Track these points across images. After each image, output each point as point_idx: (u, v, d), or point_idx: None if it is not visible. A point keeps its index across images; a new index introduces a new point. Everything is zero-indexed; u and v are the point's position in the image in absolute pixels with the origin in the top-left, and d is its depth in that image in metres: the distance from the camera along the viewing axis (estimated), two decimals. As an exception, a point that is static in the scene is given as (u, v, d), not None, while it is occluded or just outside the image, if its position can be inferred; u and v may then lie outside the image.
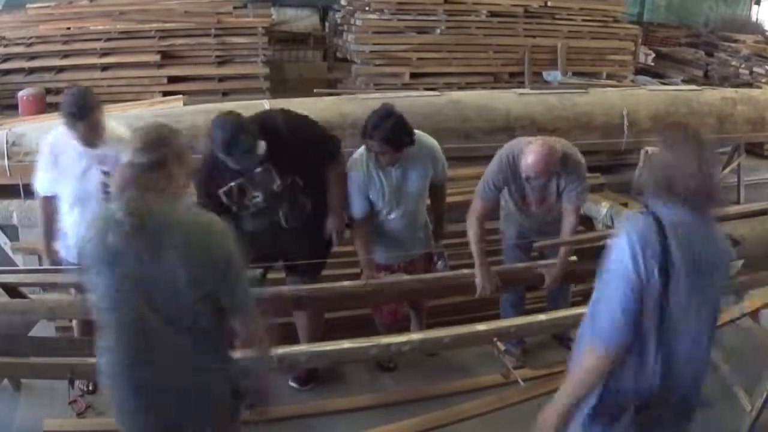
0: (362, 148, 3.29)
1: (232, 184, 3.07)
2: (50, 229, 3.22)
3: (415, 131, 3.26)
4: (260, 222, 3.16)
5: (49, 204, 3.18)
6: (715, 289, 1.92)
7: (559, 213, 3.45)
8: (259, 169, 3.05)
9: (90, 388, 3.34)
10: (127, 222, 1.85)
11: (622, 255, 1.82)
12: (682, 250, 1.80)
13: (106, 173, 3.08)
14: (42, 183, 3.15)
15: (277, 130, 3.07)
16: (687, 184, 1.83)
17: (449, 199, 3.72)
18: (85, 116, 2.94)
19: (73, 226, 3.15)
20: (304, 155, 3.10)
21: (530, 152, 3.23)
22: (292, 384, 3.44)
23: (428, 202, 3.58)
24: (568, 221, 3.42)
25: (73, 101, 2.97)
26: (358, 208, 3.31)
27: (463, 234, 3.52)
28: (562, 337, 3.95)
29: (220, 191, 3.07)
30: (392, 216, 3.36)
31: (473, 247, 3.35)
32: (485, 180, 3.43)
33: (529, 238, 3.54)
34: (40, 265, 3.57)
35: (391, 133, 3.13)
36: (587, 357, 1.88)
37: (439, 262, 3.60)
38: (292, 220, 3.20)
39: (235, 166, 2.98)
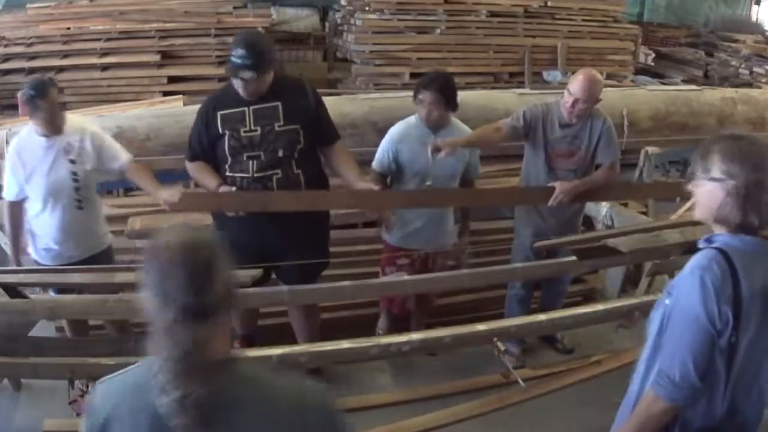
0: (411, 117, 3.50)
1: (235, 110, 3.09)
2: (18, 235, 3.29)
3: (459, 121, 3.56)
4: (254, 190, 3.14)
5: (17, 209, 3.25)
6: None
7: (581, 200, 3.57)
8: (266, 104, 3.09)
9: (90, 388, 3.34)
10: (181, 418, 1.23)
11: (692, 303, 1.70)
12: (752, 285, 1.70)
13: (72, 161, 3.17)
14: (10, 188, 3.21)
15: (300, 79, 3.37)
16: (763, 208, 1.70)
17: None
18: (45, 94, 3.05)
19: (45, 225, 3.22)
20: (314, 114, 3.20)
21: (578, 73, 3.43)
22: None
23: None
24: (603, 170, 3.53)
25: (32, 83, 3.15)
26: (378, 162, 3.51)
27: (481, 233, 3.58)
28: (553, 339, 3.96)
29: (219, 113, 3.09)
30: (427, 184, 3.45)
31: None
32: (515, 114, 3.58)
33: (546, 238, 3.50)
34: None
35: (445, 84, 3.38)
36: (651, 405, 1.78)
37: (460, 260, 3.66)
38: (286, 188, 3.16)
39: (248, 71, 2.96)
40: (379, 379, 3.63)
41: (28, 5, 7.72)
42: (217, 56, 7.45)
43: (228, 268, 1.31)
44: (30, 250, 3.33)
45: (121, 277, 2.96)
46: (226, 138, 3.10)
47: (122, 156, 3.31)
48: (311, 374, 3.48)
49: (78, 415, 3.19)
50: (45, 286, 3.22)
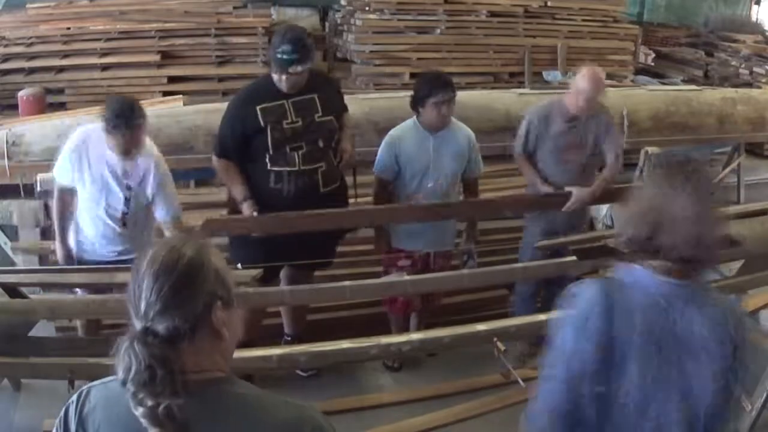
0: (409, 120, 3.51)
1: (275, 102, 3.12)
2: (65, 225, 3.19)
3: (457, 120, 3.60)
4: (301, 182, 3.17)
5: (66, 197, 3.15)
6: (701, 377, 1.49)
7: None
8: (304, 96, 3.16)
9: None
10: (157, 429, 1.15)
11: (562, 340, 1.53)
12: (632, 327, 1.47)
13: (129, 188, 3.07)
14: (63, 172, 3.09)
15: (323, 71, 3.57)
16: (674, 239, 1.47)
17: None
18: (127, 128, 2.87)
19: (87, 225, 3.16)
20: (342, 104, 3.40)
21: (582, 72, 3.54)
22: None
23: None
24: (610, 166, 3.65)
25: (118, 107, 2.89)
26: (380, 164, 3.51)
27: (482, 233, 3.59)
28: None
29: (259, 107, 3.10)
30: (428, 185, 3.46)
31: (527, 174, 3.71)
32: (521, 136, 3.69)
33: (557, 235, 3.56)
34: (40, 264, 3.57)
35: (449, 81, 3.45)
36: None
37: (469, 261, 3.65)
38: (329, 180, 3.24)
39: (298, 65, 3.04)
40: (379, 379, 3.63)
41: (28, 5, 7.71)
42: (217, 56, 7.45)
43: (213, 289, 1.21)
44: (72, 241, 3.23)
45: (122, 277, 2.96)
46: (269, 131, 3.11)
47: (173, 210, 3.18)
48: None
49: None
50: (48, 287, 3.20)
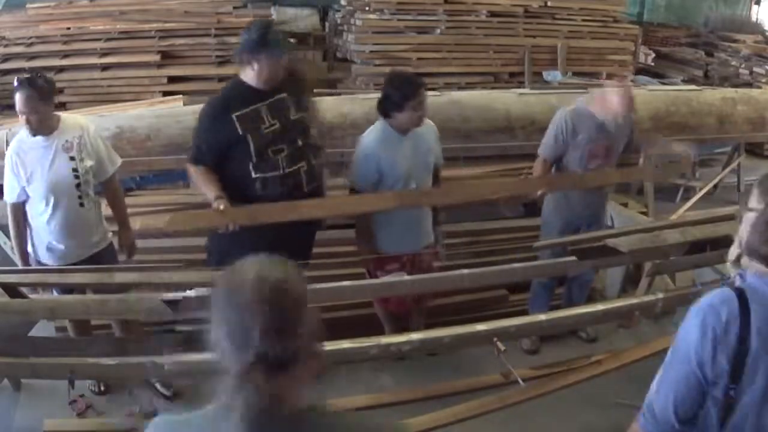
0: (376, 124, 3.46)
1: (249, 108, 3.08)
2: (24, 237, 3.29)
3: None
4: (287, 185, 3.16)
5: (19, 210, 3.24)
6: None
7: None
8: (276, 97, 3.14)
9: (100, 388, 3.34)
10: None
11: (688, 342, 1.58)
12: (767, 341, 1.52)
13: (72, 158, 3.17)
14: (11, 190, 3.20)
15: (297, 68, 3.38)
16: None
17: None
18: (18, 91, 3.02)
19: (48, 224, 3.22)
20: (308, 99, 3.38)
21: (614, 91, 3.58)
22: None
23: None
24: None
25: (16, 80, 3.11)
26: (362, 178, 3.40)
27: (466, 234, 3.57)
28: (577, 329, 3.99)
29: (234, 115, 3.06)
30: (413, 186, 3.46)
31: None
32: (549, 136, 3.68)
33: (577, 228, 3.57)
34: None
35: (418, 78, 3.43)
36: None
37: (437, 245, 3.70)
38: (311, 178, 3.24)
39: (268, 62, 3.03)
40: (379, 379, 3.62)
41: (28, 5, 7.71)
42: (217, 56, 7.44)
43: (312, 310, 1.19)
44: (30, 250, 3.32)
45: (120, 277, 2.96)
46: (250, 138, 3.08)
47: (117, 160, 3.40)
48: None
49: (78, 415, 3.20)
50: (45, 286, 3.22)
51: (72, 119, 3.32)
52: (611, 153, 3.67)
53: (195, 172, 3.23)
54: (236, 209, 3.09)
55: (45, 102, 3.09)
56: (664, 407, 1.62)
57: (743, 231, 1.66)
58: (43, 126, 3.11)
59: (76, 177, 3.19)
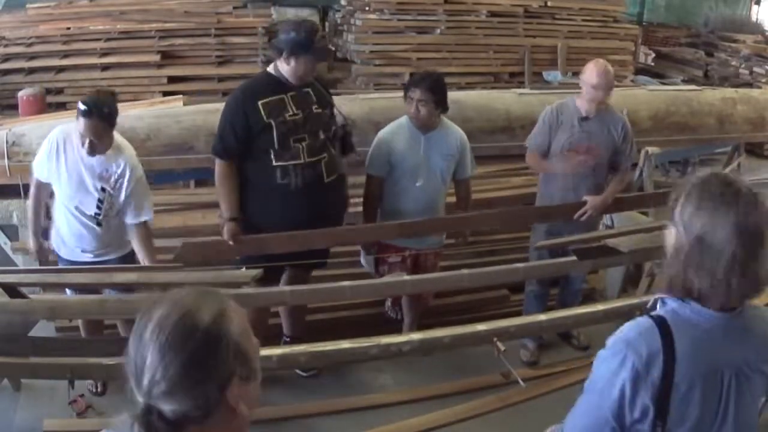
0: (400, 119, 3.53)
1: (275, 97, 3.15)
2: (39, 214, 3.22)
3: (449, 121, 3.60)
4: (307, 174, 3.19)
5: (41, 192, 3.18)
6: (748, 406, 1.43)
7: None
8: (300, 90, 3.21)
9: (98, 389, 3.34)
10: None
11: (601, 378, 1.42)
12: (695, 369, 1.36)
13: (103, 189, 3.08)
14: (41, 168, 3.12)
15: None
16: (719, 268, 1.32)
17: (449, 199, 3.73)
18: (88, 117, 2.90)
19: (62, 223, 3.17)
20: (331, 99, 3.45)
21: (590, 64, 3.58)
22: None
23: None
24: (619, 175, 3.74)
25: (88, 98, 2.96)
26: (374, 165, 3.52)
27: (481, 233, 3.60)
28: (569, 335, 3.98)
29: (260, 102, 3.13)
30: (417, 184, 3.47)
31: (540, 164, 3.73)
32: (535, 130, 3.72)
33: (560, 235, 3.58)
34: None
35: (435, 83, 3.41)
36: None
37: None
38: (331, 170, 3.27)
39: (308, 63, 3.14)
40: (379, 379, 3.62)
41: (28, 5, 7.71)
42: (217, 56, 7.46)
43: (231, 365, 1.03)
44: (51, 239, 3.26)
45: (121, 277, 2.96)
46: (274, 125, 3.13)
47: (145, 214, 3.18)
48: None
49: (78, 415, 3.20)
50: (48, 287, 3.20)
51: (127, 149, 3.15)
52: (593, 151, 3.60)
53: (221, 171, 3.24)
54: (245, 238, 3.18)
55: (110, 128, 3.02)
56: None
57: (667, 246, 1.43)
58: (96, 151, 3.02)
59: (99, 207, 3.11)
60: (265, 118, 3.12)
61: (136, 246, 3.20)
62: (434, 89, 3.40)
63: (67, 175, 3.06)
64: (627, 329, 1.44)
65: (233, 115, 3.18)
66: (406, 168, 3.46)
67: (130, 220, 3.16)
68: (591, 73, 3.53)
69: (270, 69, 3.26)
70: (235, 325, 1.05)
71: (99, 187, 3.07)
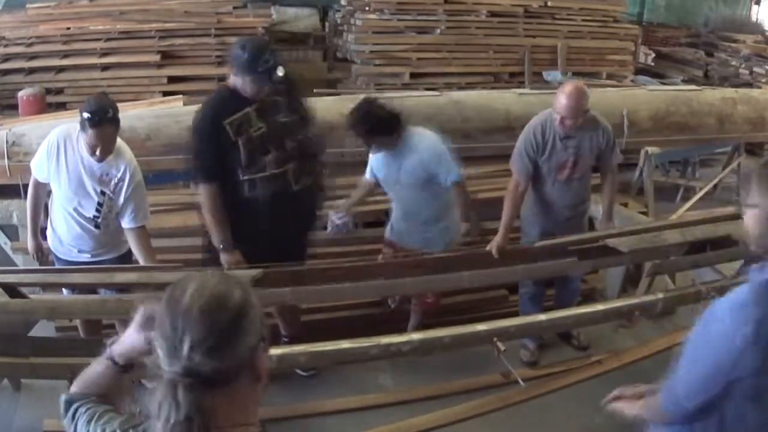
0: None
1: (239, 114, 3.11)
2: (38, 213, 3.22)
3: (419, 129, 3.56)
4: (274, 185, 3.18)
5: (40, 192, 3.17)
6: None
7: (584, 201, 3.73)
8: (268, 99, 3.16)
9: None
10: None
11: (724, 333, 1.57)
12: None
13: (103, 193, 3.07)
14: (40, 168, 3.11)
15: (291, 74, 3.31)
16: None
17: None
18: (100, 125, 2.88)
19: (59, 223, 3.16)
20: (305, 104, 3.39)
21: (561, 92, 3.47)
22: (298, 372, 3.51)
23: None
24: (609, 180, 3.73)
25: (93, 105, 2.91)
26: (368, 170, 3.73)
27: (480, 233, 3.59)
28: (569, 335, 3.98)
29: (226, 122, 3.09)
30: (392, 194, 3.69)
31: (504, 214, 3.58)
32: (518, 150, 3.62)
33: (552, 236, 3.56)
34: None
35: (355, 120, 3.46)
36: (655, 408, 1.80)
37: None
38: (300, 177, 3.25)
39: (253, 84, 3.07)
40: (379, 379, 3.62)
41: (28, 5, 7.71)
42: (217, 56, 7.45)
43: (260, 330, 1.15)
44: (49, 239, 3.26)
45: (121, 278, 2.96)
46: (240, 143, 3.10)
47: (142, 218, 3.18)
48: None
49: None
50: (48, 287, 3.19)
51: (127, 153, 3.14)
52: (578, 163, 3.57)
53: (209, 196, 3.19)
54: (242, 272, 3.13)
55: (118, 129, 3.00)
56: (686, 392, 1.66)
57: (751, 228, 1.65)
58: (104, 157, 3.00)
59: (98, 209, 3.11)
60: (232, 136, 3.09)
61: (135, 249, 3.19)
62: (356, 124, 3.45)
63: (67, 176, 3.04)
64: (739, 293, 1.61)
65: (206, 138, 3.13)
66: (385, 180, 3.64)
67: (127, 224, 3.15)
68: (560, 99, 3.43)
69: (230, 82, 3.19)
70: (257, 297, 1.18)
71: (99, 191, 3.06)
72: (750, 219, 1.65)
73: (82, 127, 2.91)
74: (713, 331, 1.61)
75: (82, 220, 3.13)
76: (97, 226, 3.14)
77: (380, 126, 3.45)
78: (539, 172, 3.61)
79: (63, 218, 3.15)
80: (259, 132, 3.13)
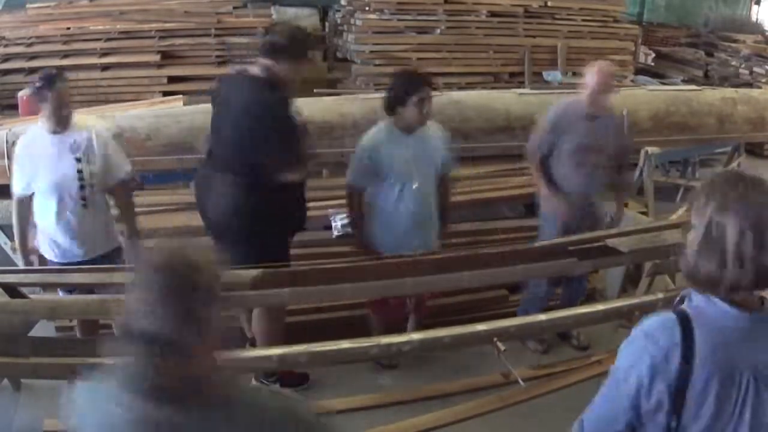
0: (379, 123, 3.49)
1: None
2: (26, 230, 3.29)
3: None
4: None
5: (25, 205, 3.24)
6: (766, 408, 1.43)
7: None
8: None
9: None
10: None
11: (625, 366, 1.48)
12: (713, 368, 1.39)
13: (78, 159, 3.16)
14: (18, 183, 3.21)
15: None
16: (742, 267, 1.36)
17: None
18: (53, 84, 3.02)
19: (50, 222, 3.21)
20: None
21: (591, 69, 3.59)
22: (285, 389, 3.41)
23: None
24: (627, 175, 3.91)
25: (42, 75, 3.12)
26: (354, 174, 3.47)
27: (466, 234, 3.55)
28: (569, 336, 3.99)
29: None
30: (412, 187, 3.39)
31: (540, 182, 3.71)
32: (539, 132, 3.70)
33: (571, 232, 3.57)
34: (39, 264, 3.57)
35: (427, 78, 3.45)
36: None
37: None
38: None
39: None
40: (379, 379, 3.63)
41: (28, 5, 7.72)
42: (217, 56, 7.45)
43: (217, 296, 1.22)
44: (38, 244, 3.31)
45: (121, 277, 2.96)
46: None
47: (123, 168, 3.32)
48: (302, 375, 3.50)
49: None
50: (48, 287, 3.21)
51: (83, 120, 3.28)
52: (602, 149, 3.63)
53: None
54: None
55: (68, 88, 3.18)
56: (595, 427, 1.57)
57: (688, 251, 1.46)
58: (68, 121, 3.14)
59: (80, 179, 3.17)
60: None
61: (119, 208, 3.38)
62: (431, 83, 3.44)
63: (43, 165, 3.13)
64: (649, 322, 1.48)
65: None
66: (398, 172, 3.38)
67: (110, 180, 3.26)
68: (592, 74, 3.56)
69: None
70: (213, 260, 1.26)
71: (74, 158, 3.15)
72: (688, 239, 1.46)
73: (43, 100, 3.06)
74: (618, 362, 1.51)
75: (71, 203, 3.18)
76: (84, 206, 3.20)
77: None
78: (558, 154, 3.63)
79: (53, 215, 3.19)
80: None
